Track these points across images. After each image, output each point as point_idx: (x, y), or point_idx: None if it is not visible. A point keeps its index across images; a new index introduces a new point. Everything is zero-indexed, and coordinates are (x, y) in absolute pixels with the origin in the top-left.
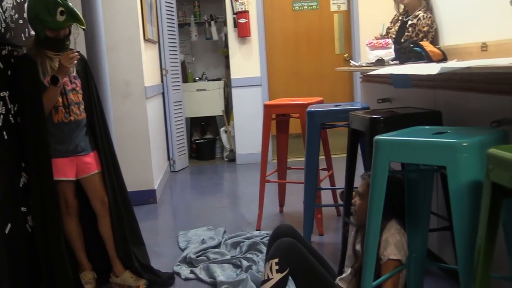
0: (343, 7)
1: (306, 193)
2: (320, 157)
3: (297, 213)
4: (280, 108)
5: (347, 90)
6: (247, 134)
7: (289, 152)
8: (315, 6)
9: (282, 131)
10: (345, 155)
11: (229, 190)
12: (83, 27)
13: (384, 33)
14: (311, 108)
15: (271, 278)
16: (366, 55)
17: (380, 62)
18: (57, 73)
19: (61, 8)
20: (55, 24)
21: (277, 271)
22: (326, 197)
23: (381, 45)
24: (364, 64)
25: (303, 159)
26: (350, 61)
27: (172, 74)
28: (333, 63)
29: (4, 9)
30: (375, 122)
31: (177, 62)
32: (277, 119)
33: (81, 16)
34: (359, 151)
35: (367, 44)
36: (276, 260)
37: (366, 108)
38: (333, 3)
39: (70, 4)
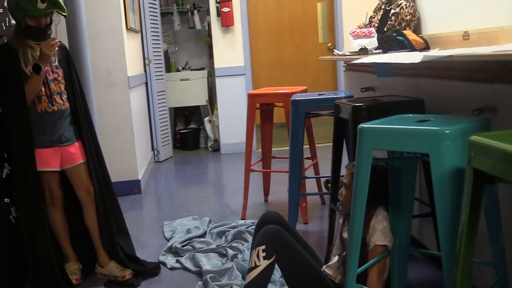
0: None
1: (291, 182)
2: (304, 146)
3: (282, 202)
4: (264, 97)
5: (331, 79)
6: (231, 123)
7: (273, 141)
8: None
9: (267, 121)
10: (329, 144)
11: (213, 180)
12: (64, 13)
13: (367, 22)
14: (295, 97)
15: (258, 265)
16: (350, 44)
17: (363, 51)
18: (39, 61)
19: None
20: (36, 12)
21: (264, 258)
22: (310, 186)
23: (364, 34)
24: (348, 53)
25: (288, 148)
26: (334, 50)
27: (155, 63)
28: (317, 52)
29: None
30: (358, 110)
31: (160, 51)
32: (261, 108)
33: (62, 3)
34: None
35: (350, 33)
36: (263, 247)
37: (350, 96)
38: None
39: None
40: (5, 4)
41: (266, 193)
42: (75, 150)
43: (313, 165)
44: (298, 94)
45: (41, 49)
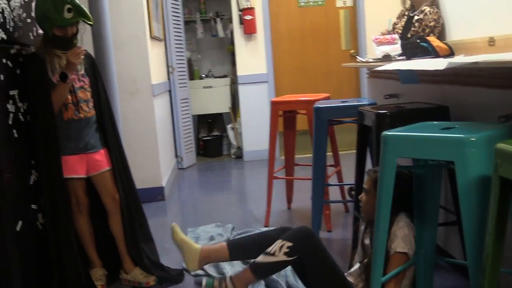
0: (349, 3)
1: (314, 190)
2: (327, 153)
3: (305, 209)
4: (287, 104)
5: (354, 86)
6: (254, 131)
7: (296, 148)
8: (321, 2)
9: (289, 128)
10: (353, 151)
11: (237, 187)
12: (90, 22)
13: (391, 28)
14: (318, 105)
15: (275, 255)
16: (373, 51)
17: (387, 58)
18: (66, 70)
19: (68, 6)
20: (62, 21)
21: (285, 254)
22: (334, 193)
23: (387, 40)
24: (371, 60)
25: (311, 155)
26: (357, 57)
27: (178, 71)
28: (340, 59)
29: (12, 8)
30: (382, 117)
31: (183, 59)
32: (284, 116)
33: (88, 12)
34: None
35: (373, 40)
36: (290, 244)
37: (373, 104)
38: None
39: (77, 1)
40: (33, 14)
41: (289, 200)
42: (100, 157)
43: (336, 173)
44: (321, 101)
45: (68, 58)
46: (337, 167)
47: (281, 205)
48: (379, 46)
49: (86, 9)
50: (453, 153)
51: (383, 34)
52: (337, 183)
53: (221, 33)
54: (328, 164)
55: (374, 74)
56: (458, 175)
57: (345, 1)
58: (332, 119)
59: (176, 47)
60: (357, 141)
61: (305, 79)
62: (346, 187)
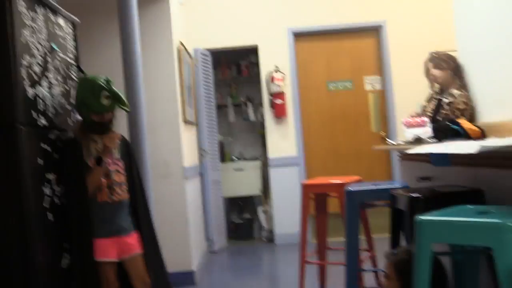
0: (378, 87)
1: (348, 275)
2: (360, 237)
3: None
4: (318, 187)
5: (385, 169)
6: (285, 213)
7: (328, 231)
8: (349, 86)
9: (321, 211)
10: (386, 235)
11: (268, 272)
12: (127, 109)
13: (420, 111)
14: (349, 188)
15: None
16: (403, 133)
17: (418, 141)
18: (101, 154)
19: (106, 93)
20: (100, 108)
21: None
22: (368, 279)
23: (417, 123)
24: (402, 143)
25: (343, 239)
26: (387, 139)
27: (210, 154)
28: (370, 141)
29: (53, 96)
30: (415, 201)
31: (215, 142)
32: (315, 198)
33: (124, 98)
34: None
35: (403, 123)
36: None
37: (406, 187)
38: (367, 83)
39: (115, 88)
40: (72, 100)
41: (323, 286)
42: (132, 240)
43: (370, 257)
44: (352, 184)
45: (104, 142)
46: (370, 251)
47: None
48: (410, 128)
49: (123, 96)
50: (491, 238)
51: (413, 116)
52: (371, 269)
53: (252, 117)
54: (362, 248)
55: (406, 157)
56: (497, 261)
57: (373, 85)
58: (364, 202)
59: (208, 131)
60: (390, 225)
61: (336, 162)
62: (381, 273)
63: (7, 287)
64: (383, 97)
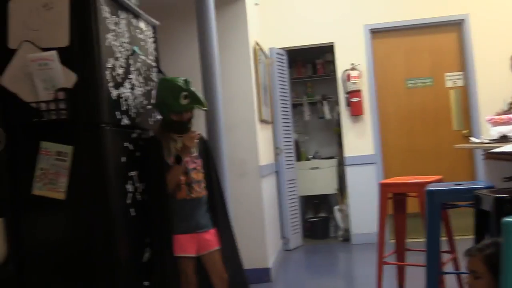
0: (460, 83)
1: (428, 278)
2: (442, 239)
3: None
4: (397, 187)
5: (468, 168)
6: (362, 213)
7: (407, 232)
8: (429, 83)
9: (400, 211)
10: (469, 236)
11: (344, 272)
12: (205, 108)
13: (506, 108)
14: (430, 187)
15: None
16: (487, 131)
17: (504, 139)
18: (180, 153)
19: (185, 93)
20: (179, 107)
21: None
22: (450, 282)
23: (503, 121)
24: (486, 141)
25: (423, 240)
26: (470, 137)
27: (285, 153)
28: (451, 140)
29: (135, 97)
30: (502, 202)
31: (290, 141)
32: (393, 198)
33: (202, 98)
34: None
35: (488, 120)
36: None
37: (491, 187)
38: (448, 79)
39: (193, 88)
40: (152, 101)
41: (401, 287)
42: (210, 237)
43: (452, 260)
44: (433, 183)
45: (183, 142)
46: (452, 253)
47: None
48: (495, 126)
49: (201, 96)
50: None
51: (498, 114)
52: (454, 271)
53: (327, 115)
54: (443, 250)
55: (491, 156)
56: None
57: (455, 81)
58: (446, 202)
59: (284, 129)
60: (474, 226)
61: (415, 161)
62: (463, 276)
63: (92, 280)
64: (465, 94)
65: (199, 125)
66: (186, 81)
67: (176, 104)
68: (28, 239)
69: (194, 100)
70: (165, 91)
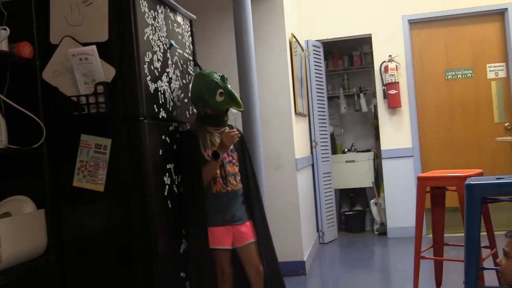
0: (502, 74)
1: (467, 273)
2: (481, 233)
3: None
4: (435, 180)
5: (510, 162)
6: (399, 207)
7: (445, 226)
8: (470, 74)
9: (438, 205)
10: None
11: (380, 265)
12: (241, 109)
13: None
14: (470, 181)
15: None
16: None
17: None
18: (218, 149)
19: (220, 90)
20: (214, 104)
21: None
22: (490, 278)
23: None
24: None
25: (462, 234)
26: None
27: (321, 145)
28: (492, 133)
29: (172, 90)
30: None
31: (326, 134)
32: (431, 192)
33: (238, 98)
34: None
35: None
36: None
37: None
38: (490, 71)
39: (229, 86)
40: (189, 94)
41: (439, 283)
42: (246, 229)
43: (492, 255)
44: (473, 177)
45: (222, 140)
46: (492, 249)
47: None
48: None
49: (237, 96)
50: None
51: None
52: (493, 267)
53: (364, 108)
54: (483, 245)
55: None
56: None
57: (497, 73)
58: (487, 196)
59: (320, 122)
60: None
61: (454, 154)
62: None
63: (130, 271)
64: (508, 85)
65: (235, 117)
66: (222, 77)
67: (212, 101)
68: (68, 230)
69: (230, 99)
70: (201, 87)
